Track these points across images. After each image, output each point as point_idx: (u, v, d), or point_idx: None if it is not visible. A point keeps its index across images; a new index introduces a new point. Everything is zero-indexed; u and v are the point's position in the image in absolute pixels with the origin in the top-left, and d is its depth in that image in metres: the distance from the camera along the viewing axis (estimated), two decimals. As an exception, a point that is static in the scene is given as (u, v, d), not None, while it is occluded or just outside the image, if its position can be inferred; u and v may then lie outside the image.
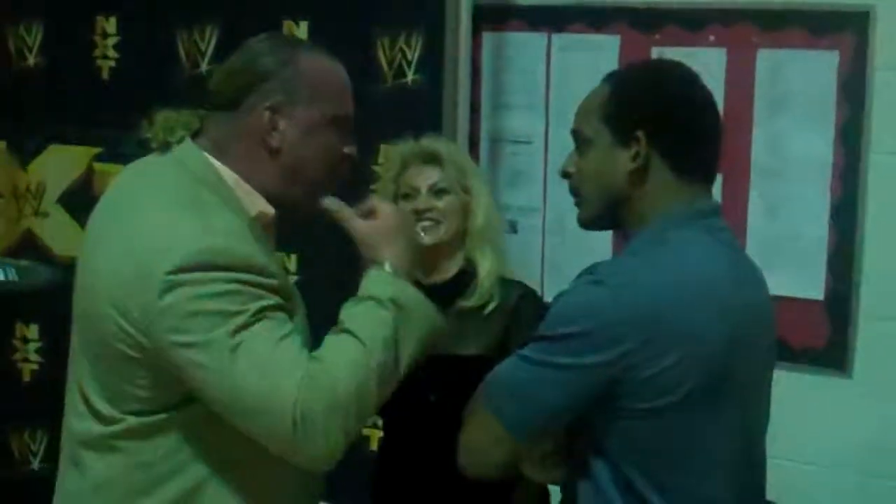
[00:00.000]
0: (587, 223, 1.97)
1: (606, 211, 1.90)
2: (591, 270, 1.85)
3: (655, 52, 3.05)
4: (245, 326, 1.71)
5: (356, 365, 1.74)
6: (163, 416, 1.81)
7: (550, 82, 3.21)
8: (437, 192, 2.58)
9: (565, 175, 1.96)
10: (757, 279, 1.96)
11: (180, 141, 1.92)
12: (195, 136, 1.93)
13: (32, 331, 3.65)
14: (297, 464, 1.75)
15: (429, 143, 2.67)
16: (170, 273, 1.71)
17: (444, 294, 2.54)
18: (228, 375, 1.70)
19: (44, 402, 3.48)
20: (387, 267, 1.88)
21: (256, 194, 1.90)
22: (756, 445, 1.94)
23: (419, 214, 2.55)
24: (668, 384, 1.74)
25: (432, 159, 2.60)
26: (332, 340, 1.79)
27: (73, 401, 1.91)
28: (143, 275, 1.73)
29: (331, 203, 1.94)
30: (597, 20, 3.13)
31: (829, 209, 2.93)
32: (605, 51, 3.13)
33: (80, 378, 1.88)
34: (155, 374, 1.78)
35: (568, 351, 1.76)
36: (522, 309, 2.59)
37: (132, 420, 1.81)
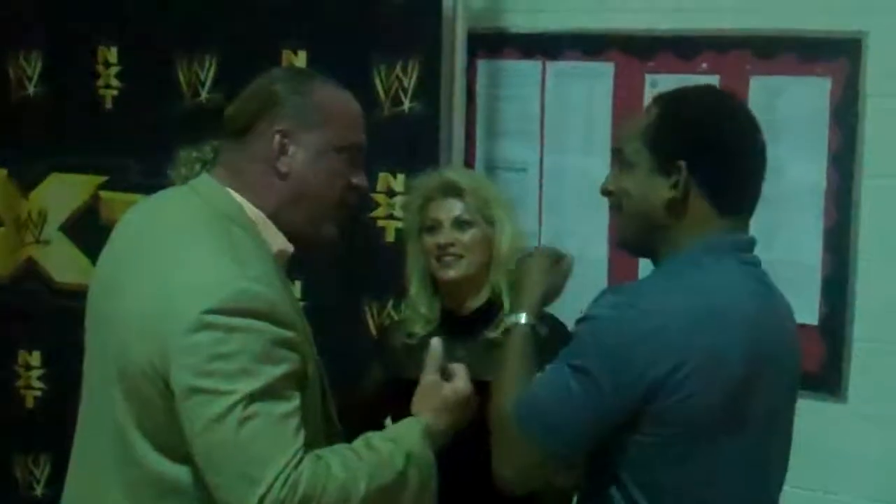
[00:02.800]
0: (621, 244, 2.00)
1: (643, 235, 1.91)
2: (615, 291, 1.87)
3: (649, 80, 3.08)
4: (262, 395, 1.72)
5: (348, 482, 1.78)
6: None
7: (545, 110, 3.23)
8: (460, 224, 2.57)
9: (606, 193, 1.96)
10: (784, 314, 1.96)
11: (198, 174, 1.95)
12: (212, 165, 1.96)
13: (35, 358, 3.66)
14: None
15: (451, 174, 2.67)
16: (205, 312, 1.72)
17: (471, 325, 2.58)
18: (228, 430, 1.71)
19: (47, 428, 3.56)
20: (423, 424, 1.96)
21: (276, 230, 1.92)
22: (771, 477, 1.93)
23: (442, 249, 2.55)
24: (691, 411, 1.74)
25: (454, 191, 2.59)
26: (338, 450, 1.84)
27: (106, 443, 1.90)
28: (176, 310, 1.74)
29: (435, 345, 2.09)
30: (591, 48, 3.16)
31: (823, 234, 2.95)
32: (600, 78, 3.15)
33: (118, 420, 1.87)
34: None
35: (601, 370, 1.75)
36: (551, 342, 2.57)
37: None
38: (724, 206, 1.85)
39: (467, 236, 2.56)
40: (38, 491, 3.65)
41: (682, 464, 1.79)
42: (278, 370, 1.75)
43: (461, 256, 2.56)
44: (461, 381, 2.06)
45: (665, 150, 1.84)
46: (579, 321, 1.85)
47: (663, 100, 1.93)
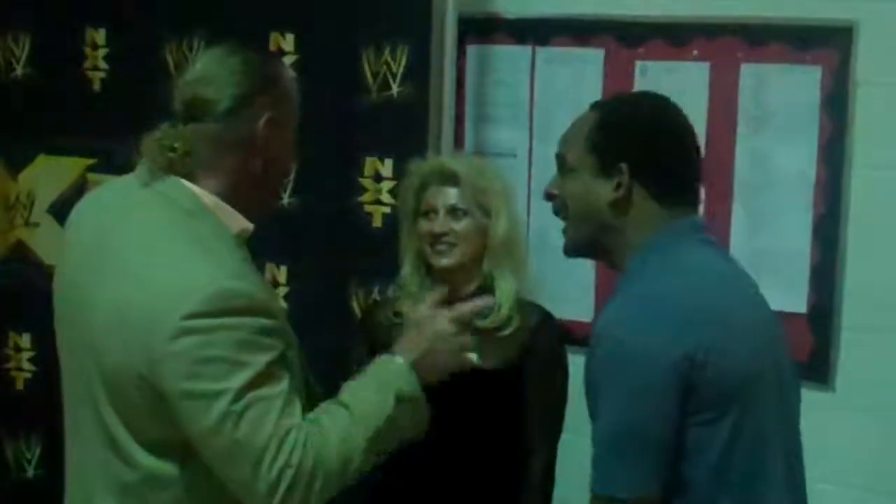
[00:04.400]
0: (570, 250, 2.02)
1: (589, 239, 1.96)
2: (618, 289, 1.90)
3: (639, 67, 3.06)
4: (253, 385, 1.75)
5: (346, 440, 1.82)
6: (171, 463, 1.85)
7: (535, 95, 3.22)
8: (454, 213, 2.57)
9: (549, 197, 2.02)
10: (754, 289, 2.01)
11: (164, 163, 1.91)
12: (177, 152, 1.92)
13: (25, 340, 3.66)
14: None
15: (450, 161, 2.67)
16: (185, 318, 1.73)
17: None
18: (230, 431, 1.74)
19: (37, 409, 3.56)
20: (404, 361, 1.95)
21: (234, 212, 1.92)
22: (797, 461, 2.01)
23: (436, 237, 2.56)
24: (724, 383, 1.77)
25: (451, 179, 2.59)
26: (331, 410, 1.86)
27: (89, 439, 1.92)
28: (156, 319, 1.75)
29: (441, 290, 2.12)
30: (581, 34, 3.14)
31: (812, 223, 2.94)
32: (590, 64, 3.13)
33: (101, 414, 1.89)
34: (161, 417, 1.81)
35: (639, 375, 1.75)
36: (542, 332, 2.60)
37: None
38: (669, 201, 1.91)
39: (461, 225, 2.56)
40: (30, 472, 3.66)
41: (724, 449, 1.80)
42: (263, 359, 1.77)
43: (454, 245, 2.56)
44: (446, 314, 2.05)
45: (607, 153, 1.90)
46: (594, 342, 1.83)
47: (601, 106, 2.02)
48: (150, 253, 1.84)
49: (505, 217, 2.60)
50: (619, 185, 1.88)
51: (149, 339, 1.75)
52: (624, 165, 1.88)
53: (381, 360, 1.96)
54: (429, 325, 2.01)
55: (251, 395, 1.74)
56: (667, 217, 1.90)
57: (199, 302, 1.74)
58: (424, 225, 2.58)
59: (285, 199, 3.12)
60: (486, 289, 2.59)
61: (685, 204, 1.94)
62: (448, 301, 2.57)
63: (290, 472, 1.75)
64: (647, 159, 1.89)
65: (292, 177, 2.87)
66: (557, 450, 2.61)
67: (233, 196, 1.92)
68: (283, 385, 1.79)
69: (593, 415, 1.82)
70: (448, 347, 2.01)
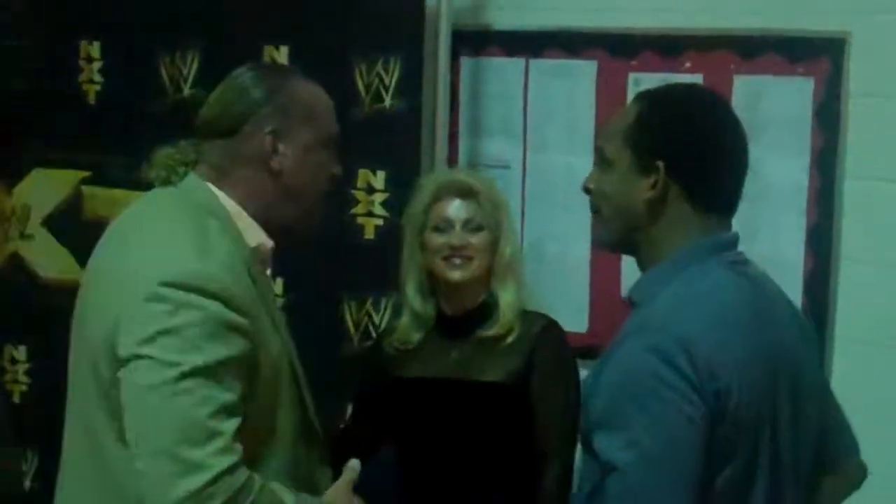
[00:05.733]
0: (600, 244, 2.00)
1: (622, 235, 1.90)
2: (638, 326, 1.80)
3: (632, 79, 3.06)
4: (202, 373, 1.74)
5: None
6: None
7: (528, 107, 3.21)
8: (472, 228, 2.56)
9: (587, 191, 1.95)
10: (783, 309, 1.94)
11: (184, 176, 1.99)
12: (193, 165, 2.00)
13: (21, 352, 3.66)
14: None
15: (466, 176, 2.68)
16: (161, 284, 1.76)
17: (465, 325, 2.60)
18: (159, 407, 1.73)
19: (34, 422, 3.56)
20: None
21: (256, 226, 1.97)
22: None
23: (453, 250, 2.55)
24: (741, 420, 1.72)
25: (467, 192, 2.59)
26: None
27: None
28: (133, 282, 1.79)
29: (353, 465, 2.07)
30: (574, 46, 3.14)
31: (805, 233, 2.94)
32: (583, 76, 3.13)
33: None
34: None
35: (667, 405, 1.67)
36: (545, 339, 2.59)
37: None
38: (704, 206, 1.84)
39: (477, 239, 2.56)
40: (26, 485, 3.66)
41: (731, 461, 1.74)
42: (223, 351, 1.78)
43: (471, 259, 2.55)
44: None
45: (645, 150, 1.84)
46: (604, 376, 1.77)
47: (645, 98, 1.92)
48: (148, 232, 1.90)
49: (513, 231, 2.63)
50: (654, 184, 1.82)
51: (122, 300, 1.79)
52: (661, 163, 1.81)
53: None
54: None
55: (196, 380, 1.73)
56: (699, 226, 1.83)
57: (177, 274, 1.78)
58: (437, 238, 2.57)
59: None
60: (491, 303, 2.59)
61: (720, 210, 1.86)
62: (452, 316, 2.59)
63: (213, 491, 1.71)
64: (683, 158, 1.82)
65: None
66: (574, 456, 2.53)
67: (255, 210, 1.97)
68: (233, 395, 1.78)
69: (589, 440, 1.77)
70: None
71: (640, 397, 1.68)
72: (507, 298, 2.57)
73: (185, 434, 1.71)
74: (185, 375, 1.72)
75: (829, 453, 2.02)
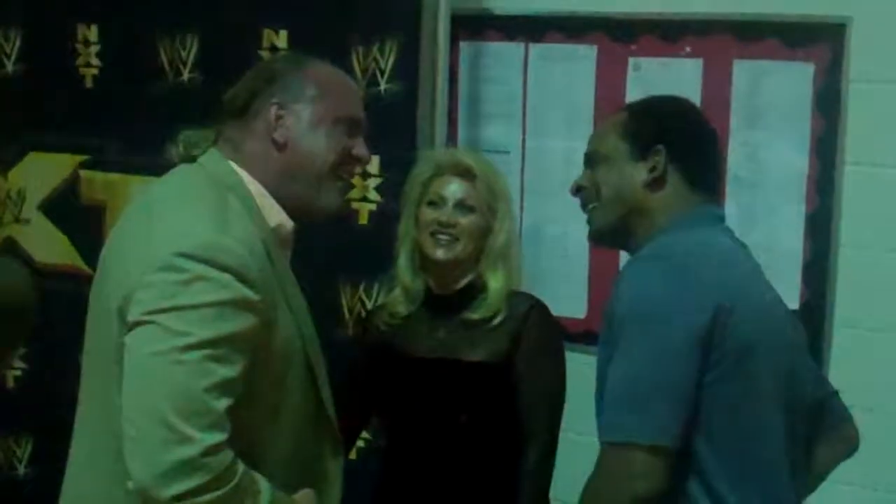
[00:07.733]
0: (598, 231, 2.09)
1: (618, 222, 2.04)
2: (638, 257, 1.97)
3: (632, 63, 3.07)
4: (207, 345, 1.73)
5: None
6: None
7: (528, 92, 3.21)
8: (463, 207, 2.57)
9: (578, 189, 2.11)
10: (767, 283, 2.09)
11: (205, 152, 2.01)
12: (214, 144, 2.02)
13: (15, 338, 3.65)
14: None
15: (465, 155, 2.67)
16: (176, 254, 1.76)
17: (453, 305, 2.59)
18: (158, 372, 1.71)
19: (28, 407, 3.55)
20: None
21: (277, 206, 1.98)
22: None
23: (441, 226, 2.55)
24: (739, 348, 1.83)
25: (465, 173, 2.59)
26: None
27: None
28: (150, 252, 1.78)
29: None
30: (574, 30, 3.14)
31: (805, 219, 2.95)
32: (582, 61, 3.13)
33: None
34: None
35: (662, 337, 1.80)
36: (531, 319, 2.58)
37: None
38: (699, 184, 2.02)
39: (467, 220, 2.56)
40: (20, 470, 3.66)
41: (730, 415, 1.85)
42: (231, 326, 1.76)
43: (456, 239, 2.55)
44: None
45: (644, 136, 2.01)
46: (613, 299, 1.90)
47: (630, 105, 2.16)
48: (168, 205, 1.91)
49: (509, 219, 2.62)
50: (654, 167, 1.99)
51: (137, 268, 1.78)
52: (661, 147, 1.98)
53: None
54: None
55: (201, 353, 1.71)
56: (696, 202, 2.00)
57: (193, 245, 1.77)
58: (429, 213, 2.57)
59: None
60: (477, 286, 2.59)
61: (713, 192, 2.06)
62: (439, 295, 2.59)
63: (195, 449, 1.68)
64: (683, 142, 2.01)
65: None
66: (558, 437, 2.57)
67: (273, 189, 1.98)
68: (234, 370, 1.76)
69: (604, 372, 1.86)
70: None
71: (629, 326, 1.83)
72: (495, 285, 2.57)
73: (179, 404, 1.69)
74: (189, 347, 1.71)
75: (825, 418, 2.16)
